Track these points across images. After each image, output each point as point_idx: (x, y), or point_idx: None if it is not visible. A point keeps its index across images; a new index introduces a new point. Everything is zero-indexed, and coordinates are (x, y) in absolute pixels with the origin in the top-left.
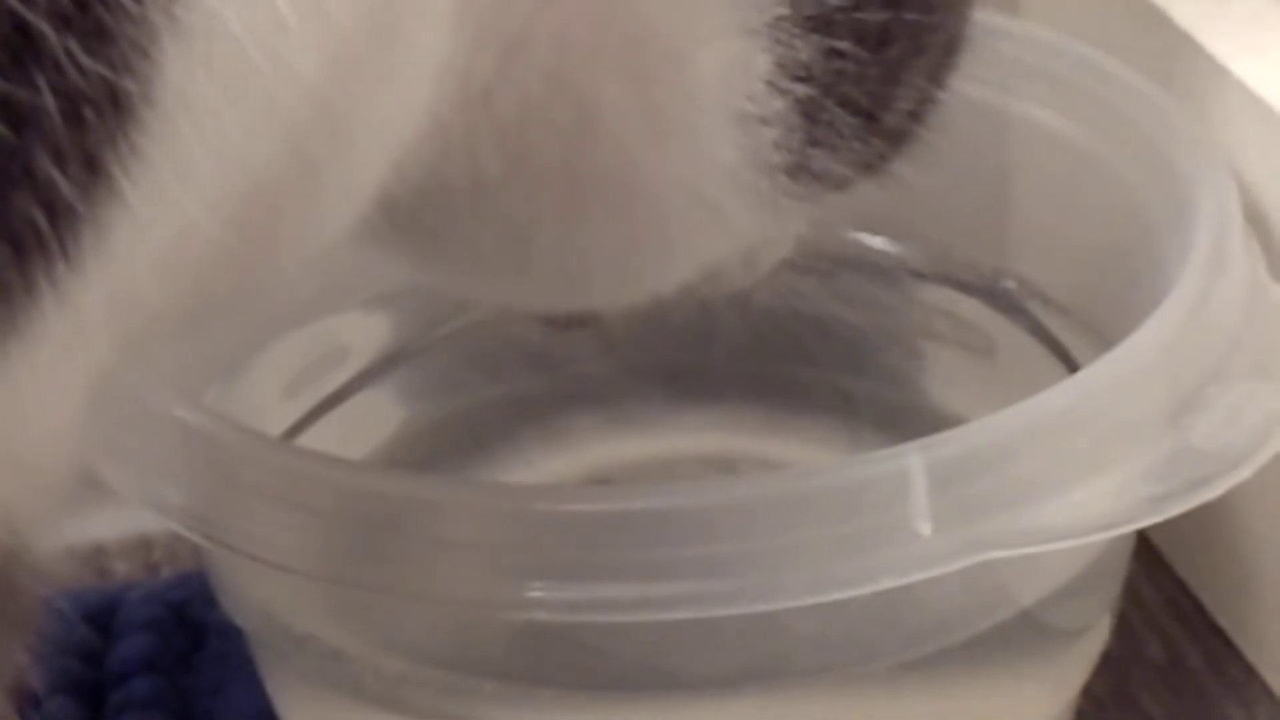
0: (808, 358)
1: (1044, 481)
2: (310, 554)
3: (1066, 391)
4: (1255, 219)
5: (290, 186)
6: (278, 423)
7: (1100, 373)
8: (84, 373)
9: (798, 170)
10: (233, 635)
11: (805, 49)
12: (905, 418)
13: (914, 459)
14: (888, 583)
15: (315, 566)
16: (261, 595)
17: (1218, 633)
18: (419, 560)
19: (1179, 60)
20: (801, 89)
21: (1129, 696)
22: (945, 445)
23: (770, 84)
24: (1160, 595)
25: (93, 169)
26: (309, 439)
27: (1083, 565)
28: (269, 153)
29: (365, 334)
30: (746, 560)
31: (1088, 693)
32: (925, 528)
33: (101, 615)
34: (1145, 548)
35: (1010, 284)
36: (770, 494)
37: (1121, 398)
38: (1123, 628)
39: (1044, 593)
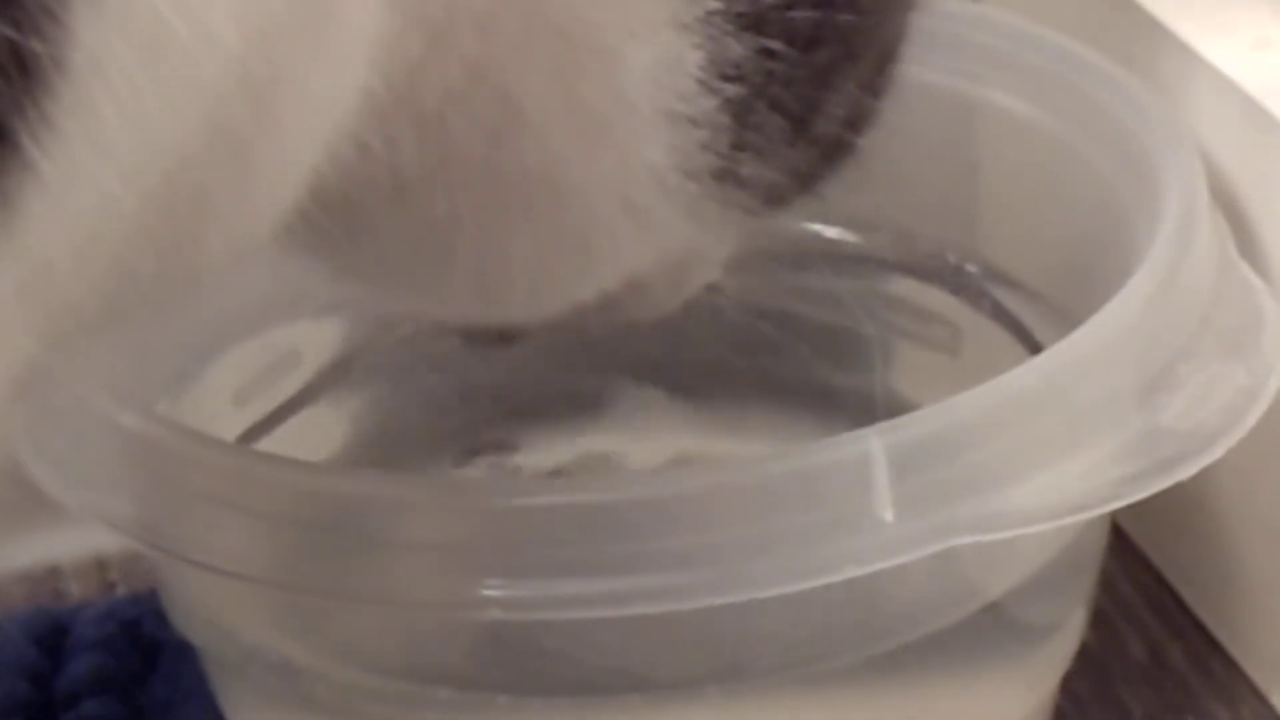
0: (779, 353)
1: (1011, 465)
2: (258, 559)
3: (1031, 371)
4: (1224, 200)
5: (216, 165)
6: (229, 431)
7: (1066, 351)
8: (4, 365)
9: (726, 175)
10: (187, 654)
11: (737, 46)
12: (881, 411)
13: (875, 443)
14: (851, 572)
15: (263, 571)
16: (210, 606)
17: (1200, 629)
18: (369, 561)
19: (1144, 42)
20: (732, 89)
21: (1110, 694)
22: (907, 429)
23: (701, 82)
24: (1140, 591)
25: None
26: (262, 447)
27: (1052, 555)
28: (191, 126)
29: (318, 340)
30: (706, 552)
31: (1068, 690)
32: (888, 514)
33: (52, 636)
34: (1123, 543)
35: (978, 273)
36: (728, 483)
37: (1088, 377)
38: (1103, 625)
39: (1012, 584)
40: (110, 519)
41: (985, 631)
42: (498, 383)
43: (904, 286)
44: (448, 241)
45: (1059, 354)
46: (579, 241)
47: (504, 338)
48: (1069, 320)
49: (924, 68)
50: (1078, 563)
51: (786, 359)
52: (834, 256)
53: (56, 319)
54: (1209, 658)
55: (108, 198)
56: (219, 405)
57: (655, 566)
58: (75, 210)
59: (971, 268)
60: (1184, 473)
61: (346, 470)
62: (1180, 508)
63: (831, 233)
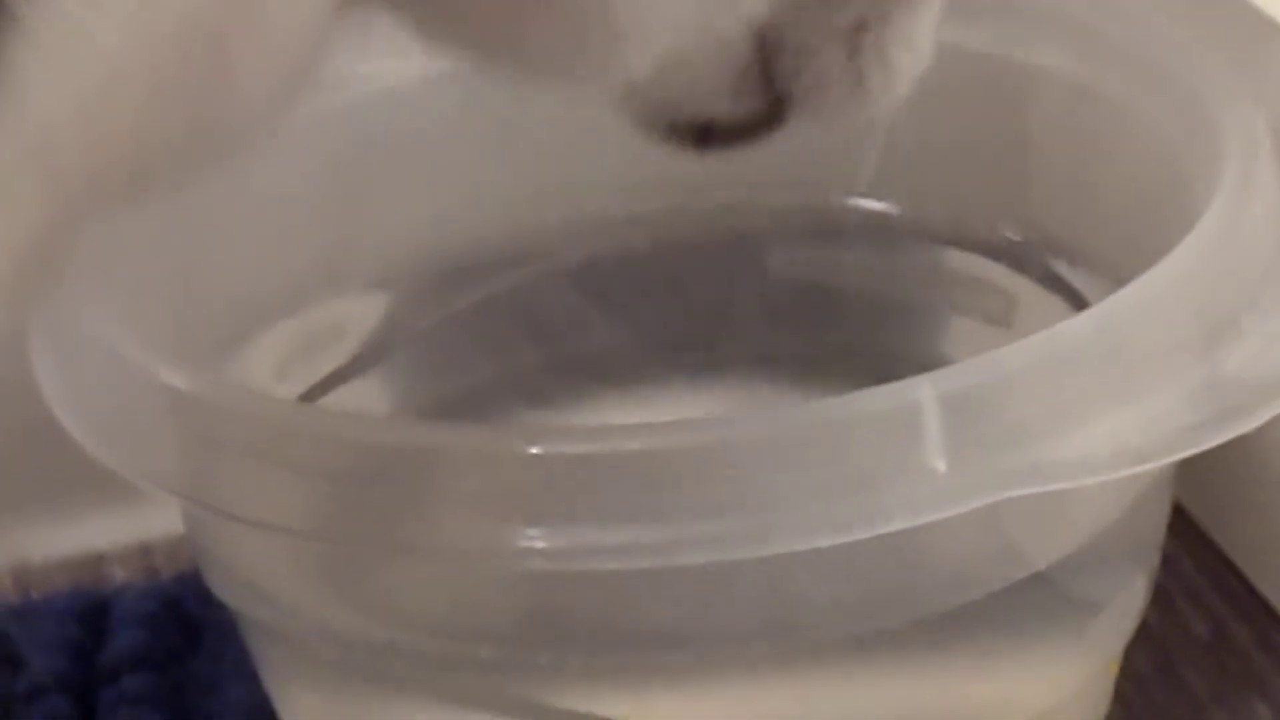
0: (827, 329)
1: (1067, 414)
2: (298, 513)
3: (1089, 320)
4: None
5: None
6: None
7: (1125, 300)
8: (12, 236)
9: None
10: (229, 632)
11: None
12: None
13: (927, 391)
14: (903, 522)
15: (303, 525)
16: (251, 569)
17: (1264, 607)
18: (409, 513)
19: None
20: None
21: (1172, 672)
22: (961, 376)
23: None
24: (1203, 570)
25: None
26: None
27: (1105, 526)
28: None
29: (361, 317)
30: (752, 501)
31: (1129, 668)
32: (941, 464)
33: (94, 615)
34: (1186, 522)
35: (1032, 242)
36: (776, 431)
37: (1147, 325)
38: (1164, 603)
39: (1063, 553)
40: (150, 476)
41: (1035, 602)
42: (537, 358)
43: (956, 258)
44: None
45: (1118, 302)
46: None
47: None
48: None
49: (971, 34)
50: (1132, 536)
51: (835, 335)
52: (884, 230)
53: (66, 186)
54: (1272, 635)
55: (109, 53)
56: (260, 380)
57: (700, 516)
58: (74, 69)
59: (1025, 237)
60: (1246, 424)
61: (387, 421)
62: (1242, 485)
63: (881, 205)
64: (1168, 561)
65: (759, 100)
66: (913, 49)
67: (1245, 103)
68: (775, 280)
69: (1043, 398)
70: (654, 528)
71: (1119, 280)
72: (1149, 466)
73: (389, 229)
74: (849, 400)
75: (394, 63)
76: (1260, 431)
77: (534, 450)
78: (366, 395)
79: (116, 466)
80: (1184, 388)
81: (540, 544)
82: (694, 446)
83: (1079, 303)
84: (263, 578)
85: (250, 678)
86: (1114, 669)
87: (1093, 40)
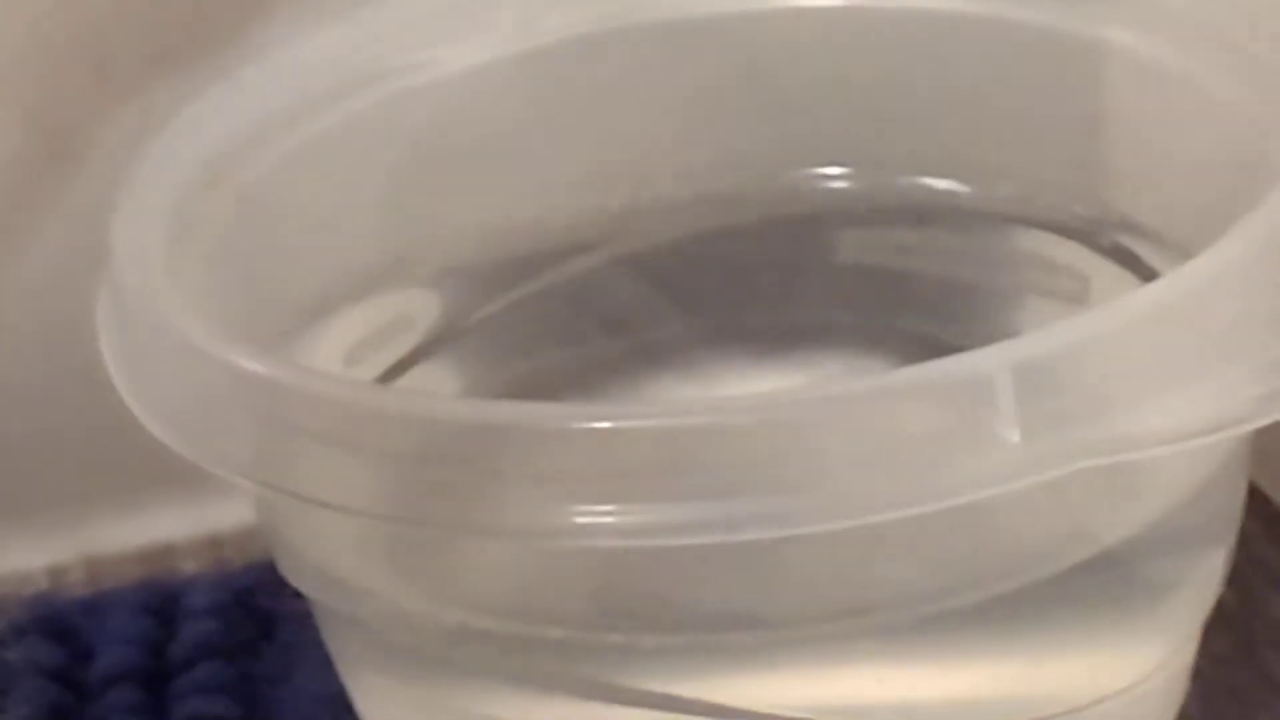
0: (895, 312)
1: (1141, 384)
2: (366, 494)
3: (1163, 289)
4: None
5: None
6: None
7: (1199, 269)
8: None
9: None
10: (301, 624)
11: None
12: None
13: (999, 360)
14: (975, 494)
15: (372, 506)
16: (322, 552)
17: None
18: (477, 491)
19: None
20: None
21: (1253, 654)
22: (1034, 346)
23: None
24: None
25: None
26: None
27: (1177, 503)
28: None
29: (427, 304)
30: (820, 475)
31: (1207, 649)
32: (1014, 434)
33: (164, 606)
34: (1262, 504)
35: (1106, 221)
36: (843, 402)
37: (1222, 295)
38: (1241, 585)
39: (1134, 531)
40: (222, 461)
41: (1108, 581)
42: (602, 344)
43: (1029, 238)
44: None
45: (1190, 272)
46: None
47: None
48: None
49: (1038, 10)
50: (1206, 513)
51: (904, 318)
52: (954, 210)
53: None
54: None
55: None
56: (328, 366)
57: (768, 491)
58: None
59: (1097, 214)
60: None
61: (456, 399)
62: None
63: (949, 185)
64: (1245, 544)
65: None
66: None
67: None
68: (842, 263)
69: (1115, 368)
70: (722, 503)
71: (1192, 255)
72: (1223, 436)
73: (454, 216)
74: (918, 371)
75: (454, 49)
76: None
77: (602, 426)
78: (434, 381)
79: (188, 453)
80: (1259, 358)
81: (609, 521)
82: (761, 420)
83: (1152, 278)
84: (334, 563)
85: (322, 667)
86: (1191, 649)
87: (1163, 15)
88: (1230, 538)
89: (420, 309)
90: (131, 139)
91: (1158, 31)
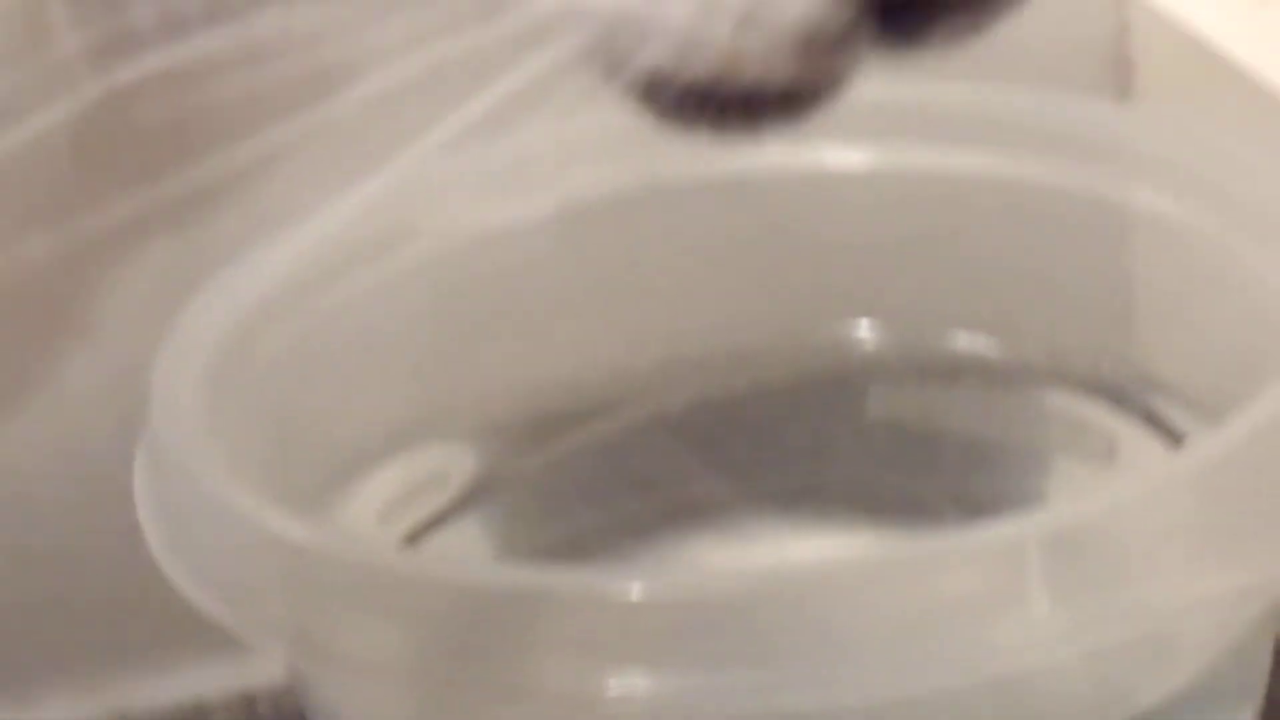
0: (927, 471)
1: (1170, 552)
2: (398, 656)
3: (1192, 455)
4: None
5: None
6: None
7: (1227, 436)
8: None
9: None
10: None
11: None
12: None
13: (1029, 530)
14: (1003, 667)
15: (404, 668)
16: (354, 712)
17: None
18: (509, 656)
19: None
20: None
21: None
22: (1062, 515)
23: None
24: None
25: None
26: None
27: (1210, 661)
28: None
29: (461, 461)
30: (852, 644)
31: None
32: (1043, 605)
33: None
34: None
35: (1134, 382)
36: (876, 573)
37: (1251, 461)
38: None
39: (1168, 691)
40: (254, 624)
41: None
42: (637, 504)
43: (1057, 397)
44: None
45: (1219, 439)
46: None
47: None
48: None
49: (1070, 174)
50: (1237, 675)
51: (936, 476)
52: (983, 369)
53: None
54: None
55: None
56: (363, 524)
57: (802, 660)
58: None
59: (1125, 376)
60: None
61: (489, 565)
62: None
63: (980, 344)
64: (1273, 704)
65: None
66: None
67: None
68: (874, 421)
69: (1146, 535)
70: (755, 673)
71: (1218, 416)
72: (1253, 601)
73: (489, 374)
74: (949, 541)
75: (492, 207)
76: None
77: (635, 596)
78: (467, 540)
79: (222, 616)
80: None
81: (642, 691)
82: (794, 591)
83: (1179, 439)
84: None
85: None
86: None
87: (1192, 181)
88: (1259, 694)
89: (454, 465)
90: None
91: (1186, 197)
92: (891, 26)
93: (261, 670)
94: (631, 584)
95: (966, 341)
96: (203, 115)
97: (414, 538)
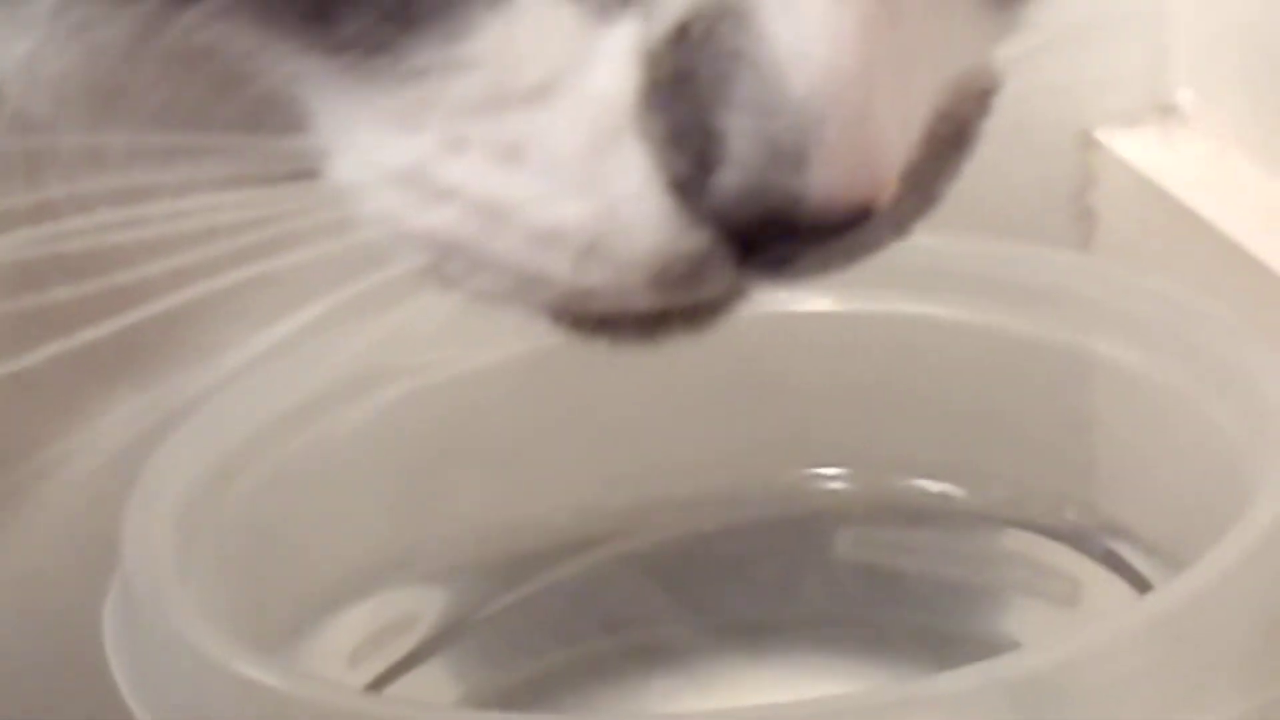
0: (892, 611)
1: (1131, 699)
2: None
3: (1150, 607)
4: None
5: None
6: None
7: (1183, 587)
8: None
9: None
10: None
11: None
12: None
13: (995, 677)
14: None
15: None
16: None
17: None
18: None
19: (1255, 288)
20: None
21: None
22: (1028, 662)
23: None
24: None
25: None
26: None
27: None
28: None
29: (430, 603)
30: None
31: None
32: None
33: None
34: None
35: (1095, 526)
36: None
37: (1205, 614)
38: None
39: None
40: None
41: None
42: (605, 644)
43: (1020, 540)
44: None
45: (1175, 590)
46: None
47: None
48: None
49: (1035, 322)
50: None
51: (900, 616)
52: (949, 513)
53: None
54: None
55: None
56: (334, 665)
57: None
58: None
59: (1088, 520)
60: None
61: (455, 711)
62: None
63: (946, 489)
64: None
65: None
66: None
67: None
68: (840, 561)
69: (1106, 685)
70: None
71: (1178, 561)
72: None
73: (459, 513)
74: (916, 685)
75: (463, 350)
76: None
77: None
78: (437, 680)
79: None
80: (1243, 672)
81: None
82: None
83: (1140, 583)
84: None
85: None
86: None
87: (1154, 332)
88: None
89: (424, 606)
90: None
91: (1147, 347)
92: (757, 258)
93: None
94: None
95: (931, 485)
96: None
97: (386, 677)
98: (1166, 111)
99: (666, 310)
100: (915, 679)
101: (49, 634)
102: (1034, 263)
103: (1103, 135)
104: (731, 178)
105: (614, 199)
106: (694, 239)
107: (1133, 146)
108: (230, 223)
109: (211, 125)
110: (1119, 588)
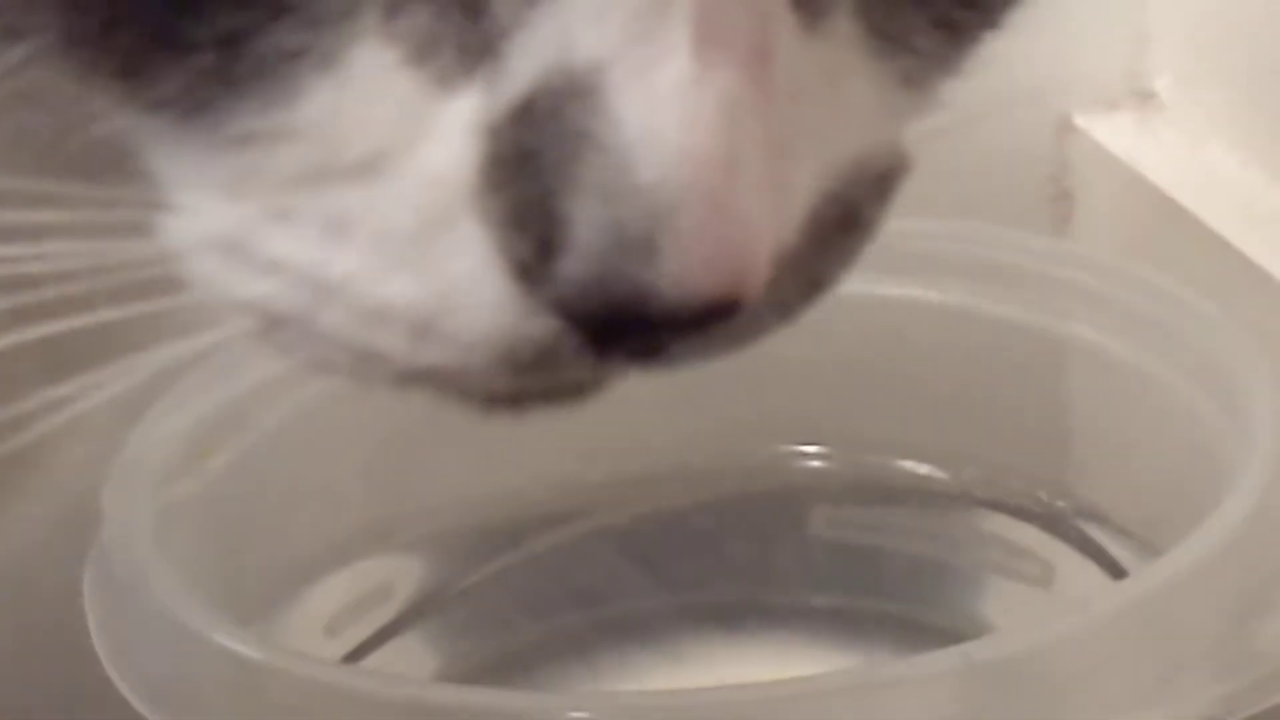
0: (866, 590)
1: (1103, 684)
2: None
3: (1124, 592)
4: None
5: None
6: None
7: (1158, 573)
8: None
9: None
10: None
11: None
12: None
13: (966, 661)
14: None
15: None
16: None
17: None
18: None
19: (1231, 276)
20: None
21: None
22: (998, 646)
23: None
24: None
25: None
26: None
27: None
28: None
29: (407, 574)
30: None
31: None
32: None
33: None
34: None
35: (1070, 509)
36: (818, 697)
37: (1181, 598)
38: None
39: None
40: None
41: None
42: (580, 618)
43: (995, 522)
44: None
45: (1151, 576)
46: None
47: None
48: (1158, 555)
49: (1012, 305)
50: None
51: (875, 594)
52: (925, 493)
53: None
54: None
55: None
56: (312, 635)
57: None
58: None
59: (1063, 503)
60: (1277, 696)
61: (431, 684)
62: None
63: (923, 469)
64: None
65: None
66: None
67: (1275, 380)
68: (815, 539)
69: (1080, 668)
70: None
71: (1151, 546)
72: None
73: (437, 485)
74: (890, 666)
75: None
76: None
77: (576, 716)
78: (414, 652)
79: None
80: (1217, 659)
81: None
82: (733, 713)
83: (1113, 567)
84: None
85: None
86: None
87: (1127, 316)
88: None
89: (401, 577)
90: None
91: (1123, 331)
92: (616, 346)
93: None
94: (574, 705)
95: (908, 465)
96: None
97: (363, 648)
98: (1145, 98)
99: (527, 390)
100: (887, 658)
101: (30, 606)
102: (1012, 246)
103: (1081, 120)
104: (575, 266)
105: (449, 280)
106: (539, 325)
107: (1111, 132)
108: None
109: (54, 170)
110: (1091, 571)
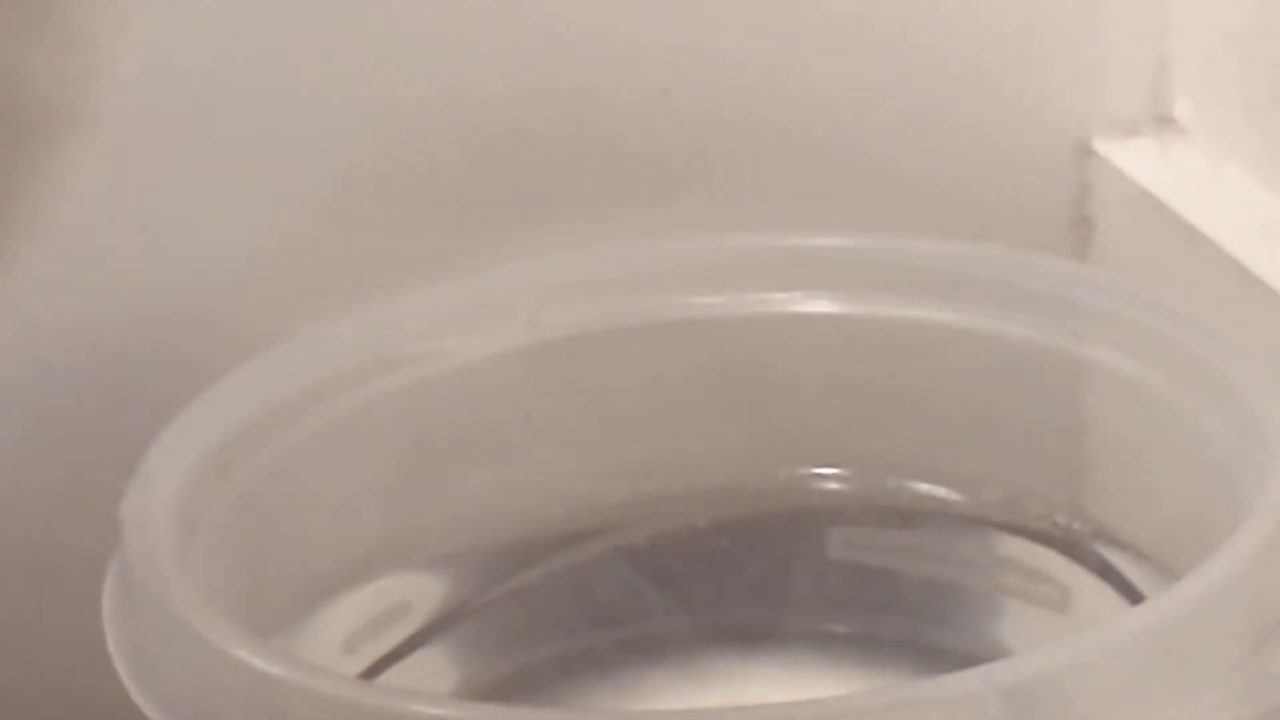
0: (883, 612)
1: (1121, 708)
2: None
3: (1142, 615)
4: None
5: None
6: None
7: (1176, 596)
8: None
9: None
10: None
11: None
12: None
13: (986, 683)
14: None
15: None
16: None
17: None
18: None
19: (1251, 301)
20: None
21: None
22: (1019, 669)
23: None
24: None
25: None
26: None
27: None
28: None
29: (426, 591)
30: None
31: None
32: None
33: None
34: None
35: (1087, 532)
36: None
37: (1198, 622)
38: None
39: None
40: None
41: None
42: (598, 637)
43: (1012, 546)
44: None
45: (1169, 599)
46: None
47: None
48: (1176, 580)
49: (1029, 327)
50: None
51: (892, 617)
52: (942, 516)
53: None
54: None
55: None
56: (329, 652)
57: None
58: None
59: (1080, 527)
60: None
61: (450, 701)
62: None
63: (939, 492)
64: None
65: None
66: None
67: None
68: (833, 561)
69: (1098, 692)
70: None
71: (1169, 570)
72: None
73: (456, 503)
74: (907, 688)
75: (464, 341)
76: None
77: None
78: (432, 669)
79: None
80: (1234, 685)
81: None
82: None
83: (1131, 591)
84: None
85: None
86: None
87: (1146, 340)
88: None
89: (419, 595)
90: None
91: (1141, 354)
92: None
93: None
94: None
95: (925, 487)
96: None
97: (380, 665)
98: (1165, 123)
99: None
100: (905, 681)
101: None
102: (1031, 269)
103: (1100, 145)
104: None
105: None
106: None
107: (1131, 157)
108: None
109: None
110: (1109, 595)
